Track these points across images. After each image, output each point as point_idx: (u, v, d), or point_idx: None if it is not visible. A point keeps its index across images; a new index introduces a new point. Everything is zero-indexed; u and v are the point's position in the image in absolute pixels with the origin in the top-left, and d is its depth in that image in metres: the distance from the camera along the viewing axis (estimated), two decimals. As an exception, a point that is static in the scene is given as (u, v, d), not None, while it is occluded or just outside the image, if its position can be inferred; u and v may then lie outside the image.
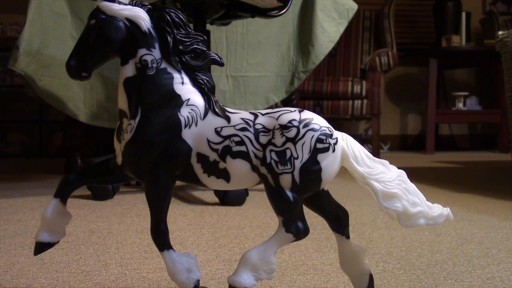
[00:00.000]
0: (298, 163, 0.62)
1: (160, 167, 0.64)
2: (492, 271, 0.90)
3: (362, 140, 4.11)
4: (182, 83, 0.65)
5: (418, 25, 4.59)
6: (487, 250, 1.05)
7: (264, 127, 0.64)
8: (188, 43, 0.65)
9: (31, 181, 2.18)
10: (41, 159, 3.49)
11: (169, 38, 0.64)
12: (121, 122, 0.66)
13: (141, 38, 0.64)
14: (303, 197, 0.64)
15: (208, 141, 0.64)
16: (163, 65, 0.65)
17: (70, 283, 0.83)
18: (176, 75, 0.65)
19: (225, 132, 0.64)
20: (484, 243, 1.11)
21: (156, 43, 0.64)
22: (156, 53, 0.64)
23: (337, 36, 2.37)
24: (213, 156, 0.64)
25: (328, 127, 0.64)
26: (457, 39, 3.96)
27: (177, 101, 0.64)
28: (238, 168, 0.64)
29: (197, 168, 0.65)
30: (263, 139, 0.63)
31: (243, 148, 0.63)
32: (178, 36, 0.64)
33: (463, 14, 4.14)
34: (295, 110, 0.64)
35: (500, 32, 2.17)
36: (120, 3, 0.64)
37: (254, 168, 0.64)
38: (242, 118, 0.64)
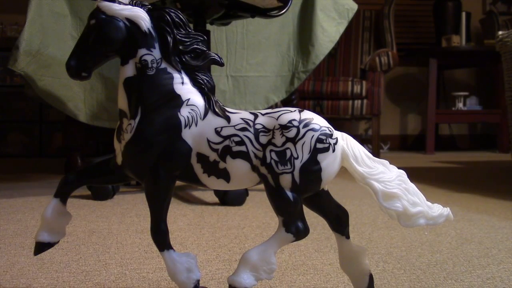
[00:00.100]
0: (298, 163, 0.62)
1: (160, 167, 0.64)
2: (492, 271, 0.90)
3: (362, 140, 4.11)
4: (182, 83, 0.65)
5: (418, 25, 4.59)
6: (487, 250, 1.05)
7: (264, 127, 0.64)
8: (188, 43, 0.65)
9: (31, 181, 2.18)
10: (41, 159, 3.49)
11: (169, 38, 0.64)
12: (121, 122, 0.66)
13: (141, 38, 0.64)
14: (303, 197, 0.64)
15: (208, 141, 0.64)
16: (163, 65, 0.65)
17: (70, 283, 0.83)
18: (176, 75, 0.65)
19: (225, 132, 0.64)
20: (484, 243, 1.11)
21: (156, 43, 0.64)
22: (156, 53, 0.64)
23: (337, 36, 2.37)
24: (213, 156, 0.64)
25: (328, 127, 0.64)
26: (457, 39, 3.97)
27: (177, 101, 0.64)
28: (238, 168, 0.64)
29: (197, 168, 0.65)
30: (263, 139, 0.63)
31: (243, 148, 0.63)
32: (178, 36, 0.64)
33: (463, 14, 4.15)
34: (295, 110, 0.64)
35: (500, 32, 2.17)
36: (120, 3, 0.64)
37: (254, 168, 0.64)
38: (242, 118, 0.64)
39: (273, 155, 0.62)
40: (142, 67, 0.64)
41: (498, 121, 3.99)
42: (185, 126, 0.64)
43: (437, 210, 0.64)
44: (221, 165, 0.64)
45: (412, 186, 0.65)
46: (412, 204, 0.63)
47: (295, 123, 0.63)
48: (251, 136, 0.63)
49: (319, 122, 0.64)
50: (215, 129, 0.64)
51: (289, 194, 0.62)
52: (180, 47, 0.65)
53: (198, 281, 0.67)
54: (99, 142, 3.34)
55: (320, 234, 1.15)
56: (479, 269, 0.91)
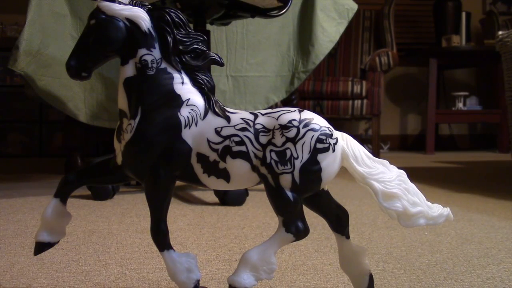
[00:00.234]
0: (298, 163, 0.62)
1: (160, 167, 0.64)
2: (492, 271, 0.90)
3: (362, 140, 4.11)
4: (182, 83, 0.65)
5: (418, 25, 4.59)
6: (487, 250, 1.05)
7: (264, 127, 0.64)
8: (188, 43, 0.65)
9: (31, 181, 2.18)
10: (41, 159, 3.49)
11: (169, 38, 0.64)
12: (121, 122, 0.66)
13: (141, 38, 0.64)
14: (303, 197, 0.64)
15: (208, 141, 0.64)
16: (163, 65, 0.65)
17: (70, 283, 0.83)
18: (176, 75, 0.65)
19: (225, 132, 0.64)
20: (484, 243, 1.11)
21: (156, 43, 0.64)
22: (156, 53, 0.64)
23: (337, 36, 2.37)
24: (213, 156, 0.64)
25: (328, 127, 0.64)
26: (457, 39, 3.97)
27: (177, 101, 0.64)
28: (238, 168, 0.64)
29: (197, 168, 0.65)
30: (263, 139, 0.63)
31: (243, 148, 0.63)
32: (178, 36, 0.64)
33: (463, 14, 4.15)
34: (295, 110, 0.64)
35: (500, 32, 2.17)
36: (120, 3, 0.64)
37: (254, 168, 0.64)
38: (242, 118, 0.64)
39: (273, 155, 0.62)
40: (142, 67, 0.64)
41: (498, 121, 3.99)
42: (185, 126, 0.64)
43: (437, 210, 0.64)
44: (221, 165, 0.64)
45: (412, 186, 0.65)
46: (412, 204, 0.63)
47: (295, 123, 0.63)
48: (251, 136, 0.63)
49: (319, 122, 0.64)
50: (215, 129, 0.64)
51: (289, 194, 0.62)
52: (180, 47, 0.65)
53: (198, 281, 0.67)
54: (99, 142, 3.34)
55: (320, 234, 1.15)
56: (479, 269, 0.91)
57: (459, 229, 1.24)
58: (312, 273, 0.89)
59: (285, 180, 0.62)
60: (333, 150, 0.63)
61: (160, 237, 0.66)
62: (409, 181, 0.65)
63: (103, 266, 0.92)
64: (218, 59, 0.66)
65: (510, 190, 1.97)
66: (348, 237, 0.69)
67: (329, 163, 0.63)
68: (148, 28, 0.64)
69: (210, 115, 0.65)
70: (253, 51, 2.32)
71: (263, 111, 0.66)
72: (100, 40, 0.63)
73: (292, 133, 0.62)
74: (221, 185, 0.66)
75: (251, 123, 0.64)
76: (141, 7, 0.65)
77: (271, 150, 0.62)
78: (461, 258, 0.99)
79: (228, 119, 0.65)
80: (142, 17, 0.64)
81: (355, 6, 2.38)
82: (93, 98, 2.12)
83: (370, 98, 3.38)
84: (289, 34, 2.37)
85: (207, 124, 0.64)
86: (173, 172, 0.65)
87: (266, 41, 2.33)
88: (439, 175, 2.61)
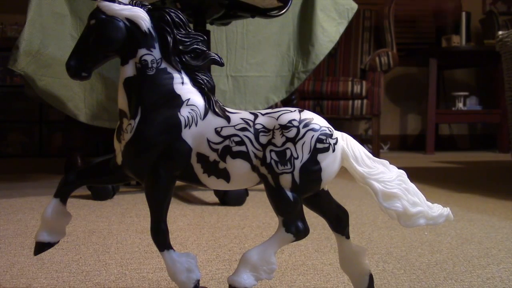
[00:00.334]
0: (298, 163, 0.62)
1: (160, 167, 0.64)
2: (492, 271, 0.90)
3: (362, 140, 4.11)
4: (182, 83, 0.65)
5: (418, 25, 4.59)
6: (487, 250, 1.05)
7: (264, 127, 0.64)
8: (188, 43, 0.65)
9: (31, 181, 2.18)
10: (41, 159, 3.49)
11: (169, 38, 0.64)
12: (121, 122, 0.66)
13: (141, 38, 0.64)
14: (303, 197, 0.64)
15: (208, 141, 0.64)
16: (163, 65, 0.65)
17: (70, 283, 0.83)
18: (176, 75, 0.65)
19: (225, 132, 0.64)
20: (484, 243, 1.11)
21: (156, 43, 0.64)
22: (156, 53, 0.64)
23: (337, 36, 2.37)
24: (213, 156, 0.64)
25: (328, 127, 0.64)
26: (457, 39, 3.97)
27: (177, 101, 0.64)
28: (238, 168, 0.64)
29: (197, 168, 0.65)
30: (263, 139, 0.63)
31: (243, 148, 0.63)
32: (178, 36, 0.64)
33: (463, 14, 4.15)
34: (295, 110, 0.64)
35: (500, 32, 2.17)
36: (120, 3, 0.64)
37: (254, 168, 0.64)
38: (242, 118, 0.64)
39: (273, 155, 0.62)
40: (142, 67, 0.64)
41: (498, 121, 3.99)
42: (185, 126, 0.64)
43: (437, 210, 0.64)
44: (221, 165, 0.64)
45: (412, 186, 0.65)
46: (412, 204, 0.63)
47: (295, 123, 0.63)
48: (251, 136, 0.63)
49: (319, 122, 0.64)
50: (215, 129, 0.64)
51: (289, 194, 0.62)
52: (180, 47, 0.65)
53: (198, 281, 0.67)
54: (99, 142, 3.34)
55: (320, 234, 1.15)
56: (479, 269, 0.91)
57: (459, 229, 1.24)
58: (312, 273, 0.88)
59: (285, 180, 0.62)
60: (333, 150, 0.63)
61: (160, 237, 0.66)
62: (409, 181, 0.65)
63: (103, 266, 0.92)
64: (218, 59, 0.66)
65: (510, 190, 1.97)
66: (348, 237, 0.69)
67: (329, 163, 0.63)
68: (148, 28, 0.64)
69: (210, 115, 0.65)
70: (253, 51, 2.32)
71: (263, 111, 0.66)
72: (100, 40, 0.63)
73: (292, 133, 0.62)
74: (221, 185, 0.66)
75: (251, 123, 0.64)
76: (141, 7, 0.65)
77: (271, 150, 0.62)
78: (461, 258, 0.99)
79: (228, 119, 0.65)
80: (142, 17, 0.64)
81: (355, 6, 2.38)
82: (93, 98, 2.12)
83: (370, 98, 3.38)
84: (289, 34, 2.37)
85: (207, 124, 0.64)
86: (173, 172, 0.65)
87: (266, 41, 2.33)
88: (439, 175, 2.61)
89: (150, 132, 0.64)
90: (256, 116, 0.65)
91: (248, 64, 2.32)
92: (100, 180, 0.72)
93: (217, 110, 0.65)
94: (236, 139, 0.63)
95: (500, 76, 2.78)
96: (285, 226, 0.63)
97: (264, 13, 1.68)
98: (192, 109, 0.64)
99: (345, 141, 0.65)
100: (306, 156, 0.62)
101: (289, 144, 0.62)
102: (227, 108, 0.66)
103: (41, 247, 0.70)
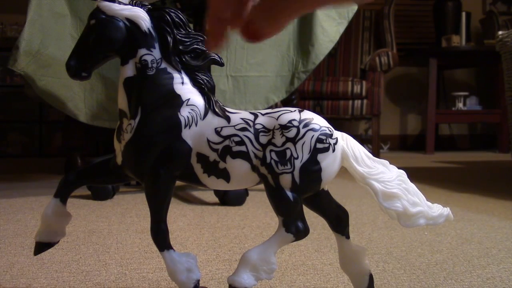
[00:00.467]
0: (298, 163, 0.62)
1: (160, 167, 0.64)
2: (492, 271, 0.90)
3: (362, 140, 4.11)
4: (182, 83, 0.65)
5: (418, 25, 4.59)
6: (487, 250, 1.05)
7: (264, 127, 0.64)
8: (188, 43, 0.65)
9: (31, 181, 2.18)
10: (41, 159, 3.49)
11: (169, 38, 0.64)
12: (121, 122, 0.66)
13: (141, 38, 0.64)
14: (303, 197, 0.64)
15: (208, 141, 0.64)
16: (163, 65, 0.65)
17: (70, 283, 0.83)
18: (176, 75, 0.65)
19: (225, 132, 0.64)
20: (484, 243, 1.11)
21: (156, 43, 0.64)
22: (156, 53, 0.64)
23: (337, 36, 2.36)
24: (213, 156, 0.64)
25: (328, 127, 0.64)
26: (457, 39, 3.96)
27: (177, 101, 0.64)
28: (238, 168, 0.64)
29: (197, 168, 0.65)
30: (263, 139, 0.63)
31: (243, 148, 0.63)
32: (178, 36, 0.64)
33: (463, 14, 4.14)
34: (295, 110, 0.64)
35: (500, 32, 2.17)
36: (120, 3, 0.64)
37: (254, 168, 0.64)
38: (242, 118, 0.64)
39: (273, 155, 0.62)
40: (142, 67, 0.64)
41: (498, 121, 3.99)
42: (185, 126, 0.64)
43: (437, 210, 0.64)
44: (221, 165, 0.64)
45: (412, 186, 0.65)
46: (412, 204, 0.63)
47: (295, 123, 0.63)
48: (251, 136, 0.63)
49: (319, 122, 0.64)
50: (215, 129, 0.64)
51: (289, 194, 0.62)
52: (180, 47, 0.65)
53: (198, 281, 0.67)
54: (99, 142, 3.34)
55: (320, 234, 1.15)
56: (479, 269, 0.91)
57: (459, 229, 1.24)
58: (312, 273, 0.88)
59: (285, 180, 0.62)
60: (333, 150, 0.63)
61: (160, 237, 0.66)
62: (409, 181, 0.65)
63: (103, 266, 0.92)
64: (218, 59, 0.66)
65: (510, 190, 1.97)
66: (348, 237, 0.69)
67: (329, 163, 0.63)
68: (148, 28, 0.64)
69: (210, 115, 0.65)
70: (253, 51, 2.32)
71: (263, 111, 0.66)
72: (100, 40, 0.63)
73: (292, 133, 0.62)
74: (221, 185, 0.66)
75: (251, 123, 0.64)
76: (141, 7, 0.65)
77: (271, 150, 0.62)
78: (461, 258, 0.99)
79: (228, 119, 0.65)
80: (142, 17, 0.64)
81: (355, 6, 2.37)
82: (93, 98, 2.12)
83: (370, 98, 3.38)
84: (289, 34, 2.36)
85: (207, 124, 0.64)
86: (173, 172, 0.65)
87: (266, 41, 2.32)
88: (439, 175, 2.61)
89: (150, 132, 0.64)
90: (256, 116, 0.65)
91: (248, 64, 2.32)
92: (100, 180, 0.72)
93: (217, 110, 0.65)
94: (236, 139, 0.63)
95: (500, 76, 2.78)
96: (285, 226, 0.63)
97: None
98: (192, 109, 0.64)
99: (345, 141, 0.65)
100: (306, 156, 0.62)
101: (289, 144, 0.62)
102: (227, 108, 0.66)
103: (41, 247, 0.70)
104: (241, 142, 0.63)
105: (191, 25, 1.59)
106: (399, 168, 0.66)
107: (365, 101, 3.38)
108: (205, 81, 0.66)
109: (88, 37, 0.64)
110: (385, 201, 0.63)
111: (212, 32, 0.46)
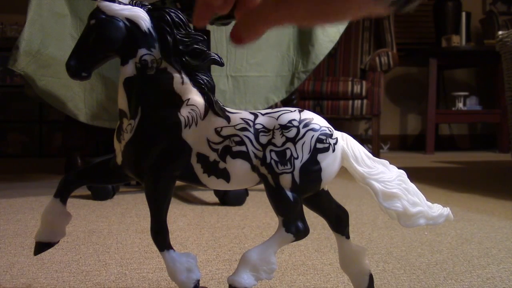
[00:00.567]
0: (298, 163, 0.62)
1: (160, 167, 0.64)
2: (492, 271, 0.90)
3: (362, 140, 4.11)
4: (182, 83, 0.65)
5: (418, 25, 4.59)
6: (487, 250, 1.05)
7: (264, 127, 0.64)
8: (188, 43, 0.65)
9: (31, 181, 2.18)
10: (41, 159, 3.49)
11: (169, 38, 0.64)
12: (121, 122, 0.66)
13: (141, 38, 0.64)
14: (303, 197, 0.64)
15: (208, 141, 0.64)
16: (163, 65, 0.65)
17: (70, 283, 0.83)
18: (176, 75, 0.65)
19: (225, 132, 0.64)
20: (484, 243, 1.11)
21: (156, 43, 0.64)
22: (156, 53, 0.64)
23: (337, 36, 2.37)
24: (213, 156, 0.64)
25: (328, 127, 0.64)
26: (457, 39, 3.97)
27: (177, 101, 0.64)
28: (238, 168, 0.64)
29: (197, 168, 0.65)
30: (263, 139, 0.63)
31: (243, 148, 0.63)
32: (178, 36, 0.64)
33: (463, 14, 4.15)
34: (295, 110, 0.64)
35: (500, 32, 2.17)
36: (120, 3, 0.64)
37: (254, 168, 0.64)
38: (242, 118, 0.64)
39: (273, 155, 0.62)
40: (142, 67, 0.64)
41: (498, 121, 3.99)
42: (185, 126, 0.64)
43: (437, 210, 0.64)
44: (221, 165, 0.64)
45: (412, 186, 0.65)
46: (412, 204, 0.63)
47: (295, 123, 0.62)
48: (251, 136, 0.63)
49: (319, 122, 0.64)
50: (215, 129, 0.64)
51: (289, 194, 0.62)
52: (180, 47, 0.64)
53: (198, 281, 0.67)
54: (99, 142, 3.34)
55: (320, 234, 1.15)
56: (479, 269, 0.91)
57: (459, 229, 1.24)
58: (312, 273, 0.88)
59: (285, 180, 0.62)
60: (333, 150, 0.63)
61: (160, 237, 0.66)
62: (409, 181, 0.65)
63: (103, 266, 0.92)
64: (218, 59, 0.66)
65: (510, 190, 1.97)
66: (348, 237, 0.69)
67: (329, 163, 0.63)
68: (148, 28, 0.64)
69: (210, 115, 0.65)
70: (253, 51, 2.32)
71: (263, 111, 0.65)
72: (100, 40, 0.63)
73: (292, 133, 0.62)
74: (221, 185, 0.66)
75: (251, 123, 0.64)
76: (141, 7, 0.65)
77: (271, 150, 0.62)
78: (461, 258, 0.99)
79: (228, 119, 0.65)
80: (142, 17, 0.64)
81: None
82: (93, 98, 2.12)
83: (370, 98, 3.38)
84: (289, 34, 2.37)
85: (207, 124, 0.64)
86: (173, 172, 0.65)
87: (266, 41, 2.33)
88: (439, 175, 2.61)
89: (150, 132, 0.64)
90: (256, 116, 0.65)
91: (248, 64, 2.32)
92: (100, 180, 0.72)
93: (217, 110, 0.65)
94: (236, 139, 0.63)
95: (500, 76, 2.78)
96: (285, 226, 0.63)
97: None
98: (192, 109, 0.64)
99: (345, 141, 0.65)
100: (306, 156, 0.62)
101: (289, 144, 0.62)
102: (227, 108, 0.66)
103: (41, 247, 0.70)
104: (241, 142, 0.63)
105: (191, 25, 1.59)
106: (399, 168, 0.66)
107: (365, 101, 3.38)
108: (205, 81, 0.66)
109: (88, 37, 0.64)
110: (385, 201, 0.63)
111: (198, 15, 0.49)
